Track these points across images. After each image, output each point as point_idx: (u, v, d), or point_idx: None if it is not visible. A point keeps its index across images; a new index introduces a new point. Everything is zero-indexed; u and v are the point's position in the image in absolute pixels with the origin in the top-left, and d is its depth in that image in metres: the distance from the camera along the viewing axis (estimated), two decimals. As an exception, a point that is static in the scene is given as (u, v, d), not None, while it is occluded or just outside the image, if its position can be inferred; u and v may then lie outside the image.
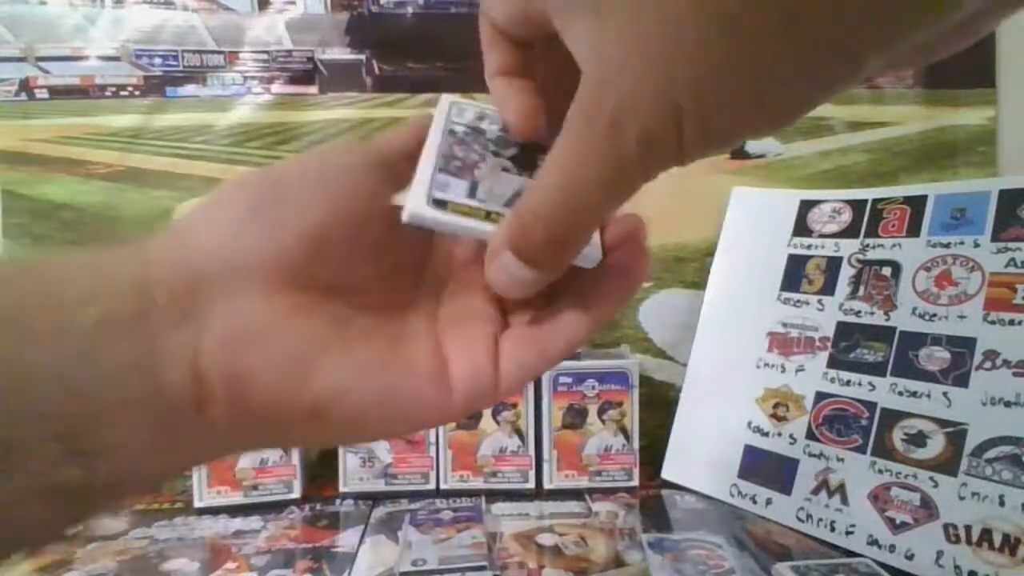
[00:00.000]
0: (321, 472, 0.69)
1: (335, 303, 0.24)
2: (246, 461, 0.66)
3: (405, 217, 0.24)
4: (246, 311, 0.22)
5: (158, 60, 0.77)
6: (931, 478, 0.54)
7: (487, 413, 0.67)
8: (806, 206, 0.71)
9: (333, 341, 0.23)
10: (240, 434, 0.23)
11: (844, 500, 0.58)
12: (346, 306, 0.24)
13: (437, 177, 0.25)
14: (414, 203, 0.24)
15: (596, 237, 0.25)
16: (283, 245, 0.23)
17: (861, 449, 0.58)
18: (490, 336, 0.25)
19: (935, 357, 0.57)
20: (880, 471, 0.57)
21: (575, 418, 0.68)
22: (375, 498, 0.66)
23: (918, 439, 0.56)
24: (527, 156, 0.27)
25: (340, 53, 0.78)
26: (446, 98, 0.29)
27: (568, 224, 0.21)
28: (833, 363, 0.63)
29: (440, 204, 0.24)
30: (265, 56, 0.78)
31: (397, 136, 0.27)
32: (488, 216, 0.25)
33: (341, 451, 0.67)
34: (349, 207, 0.24)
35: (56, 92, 0.77)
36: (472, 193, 0.25)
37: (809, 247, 0.68)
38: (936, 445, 0.55)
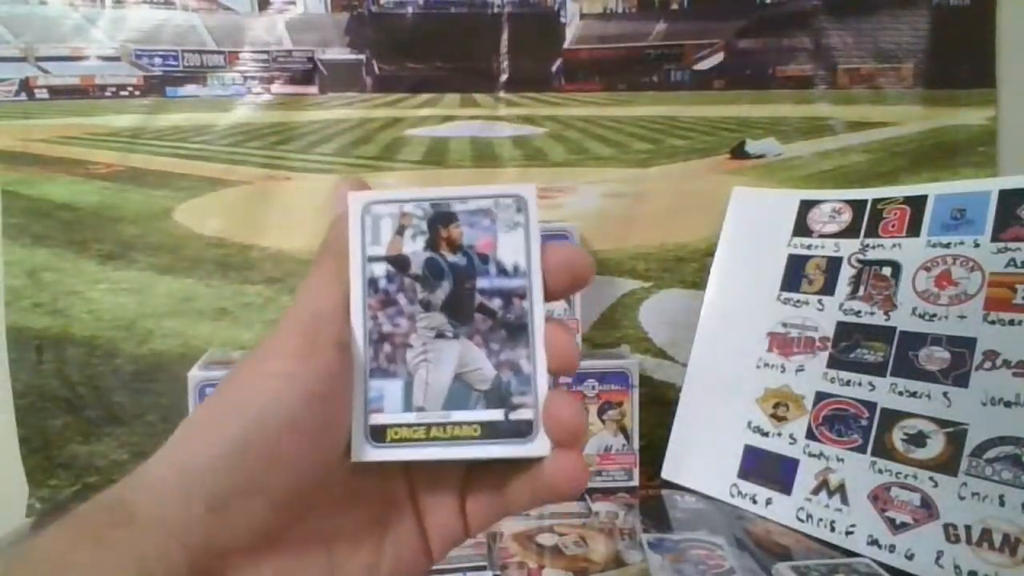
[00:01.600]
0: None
1: (318, 534, 0.25)
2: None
3: (352, 459, 0.24)
4: None
5: (158, 60, 0.77)
6: (931, 478, 0.54)
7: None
8: (806, 206, 0.71)
9: (329, 571, 0.25)
10: None
11: (844, 500, 0.58)
12: (329, 529, 0.25)
13: (370, 389, 0.25)
14: (356, 444, 0.24)
15: (543, 433, 0.24)
16: (265, 515, 0.23)
17: (861, 449, 0.58)
18: (458, 495, 0.27)
19: (935, 357, 0.57)
20: (880, 471, 0.57)
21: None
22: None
23: (918, 439, 0.56)
24: (462, 293, 0.25)
25: (340, 53, 0.78)
26: (354, 200, 0.26)
27: None
28: (833, 363, 0.63)
29: (379, 433, 0.25)
30: (265, 56, 0.78)
31: (327, 294, 0.25)
32: (429, 433, 0.25)
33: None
34: (322, 460, 0.24)
35: (56, 92, 0.77)
36: (408, 400, 0.25)
37: (809, 247, 0.68)
38: (936, 445, 0.55)
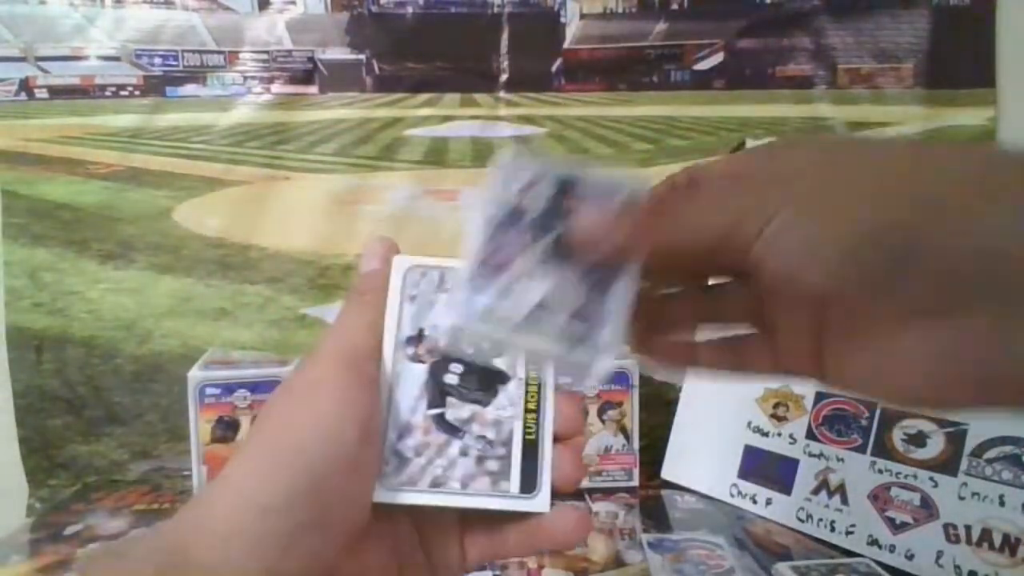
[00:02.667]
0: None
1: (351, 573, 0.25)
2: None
3: (374, 499, 0.26)
4: None
5: (158, 60, 0.77)
6: (931, 478, 0.54)
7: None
8: (806, 206, 0.71)
9: None
10: None
11: (844, 500, 0.57)
12: (358, 568, 0.26)
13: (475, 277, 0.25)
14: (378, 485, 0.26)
15: (545, 490, 0.27)
16: (327, 555, 0.23)
17: (861, 449, 0.58)
18: (459, 537, 0.28)
19: (935, 357, 0.57)
20: (880, 471, 0.57)
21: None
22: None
23: (918, 439, 0.56)
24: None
25: (340, 53, 0.78)
26: (398, 263, 0.28)
27: (684, 232, 0.23)
28: (833, 363, 0.63)
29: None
30: (265, 56, 0.78)
31: (365, 333, 0.26)
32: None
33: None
34: (369, 498, 0.25)
35: (56, 92, 0.77)
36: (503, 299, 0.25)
37: (809, 247, 0.68)
38: (936, 445, 0.55)
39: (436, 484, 0.27)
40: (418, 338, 0.28)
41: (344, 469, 0.23)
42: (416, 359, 0.28)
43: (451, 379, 0.28)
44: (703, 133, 0.81)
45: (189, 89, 0.78)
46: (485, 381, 0.28)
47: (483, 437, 0.27)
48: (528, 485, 0.27)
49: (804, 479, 0.60)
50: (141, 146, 0.78)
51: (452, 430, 0.27)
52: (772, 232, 0.21)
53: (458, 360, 0.28)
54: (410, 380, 0.27)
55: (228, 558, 0.21)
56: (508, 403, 0.28)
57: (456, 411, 0.28)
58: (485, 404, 0.28)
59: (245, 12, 0.77)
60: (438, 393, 0.28)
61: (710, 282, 0.27)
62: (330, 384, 0.24)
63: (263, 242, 0.78)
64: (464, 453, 0.27)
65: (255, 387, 0.63)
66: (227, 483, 0.23)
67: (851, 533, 0.56)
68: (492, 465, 0.27)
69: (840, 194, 0.20)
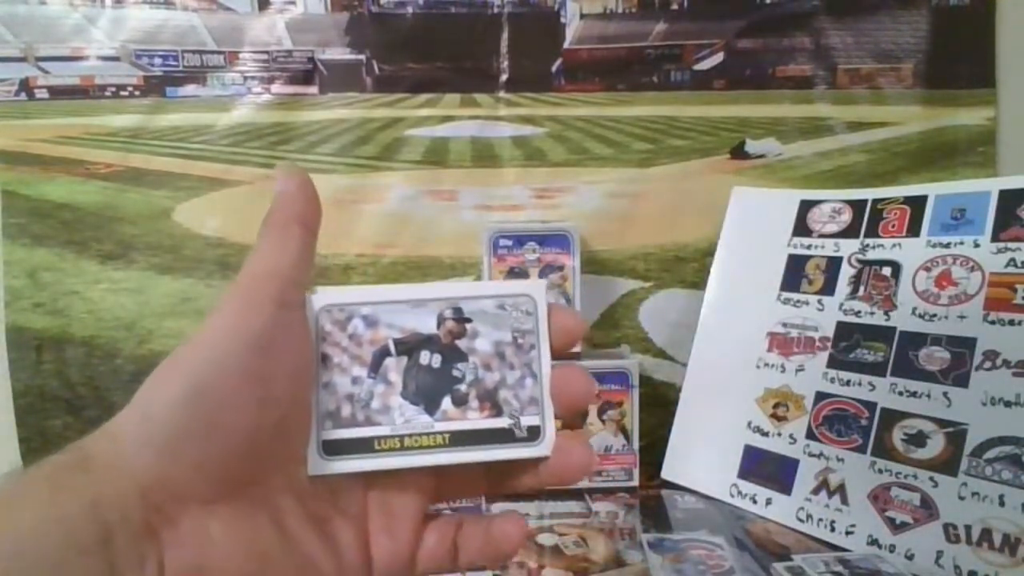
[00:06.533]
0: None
1: (270, 498, 0.26)
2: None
3: (310, 472, 0.27)
4: (195, 538, 0.24)
5: (158, 60, 0.77)
6: (931, 478, 0.54)
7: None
8: (806, 206, 0.71)
9: (275, 545, 0.26)
10: None
11: (844, 500, 0.57)
12: (280, 496, 0.26)
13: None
14: (312, 458, 0.27)
15: (551, 429, 0.28)
16: (219, 462, 0.24)
17: (861, 449, 0.58)
18: (416, 516, 0.29)
19: (935, 357, 0.57)
20: (880, 471, 0.57)
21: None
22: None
23: (918, 439, 0.56)
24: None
25: (340, 53, 0.78)
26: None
27: None
28: (833, 363, 0.63)
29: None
30: (265, 56, 0.78)
31: (265, 259, 0.27)
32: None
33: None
34: (277, 397, 0.26)
35: (56, 92, 0.77)
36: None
37: (809, 247, 0.68)
38: (936, 445, 0.55)
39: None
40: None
41: (230, 377, 0.24)
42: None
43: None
44: (703, 133, 0.81)
45: (189, 89, 0.78)
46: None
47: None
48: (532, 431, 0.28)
49: (804, 479, 0.60)
50: (141, 146, 0.78)
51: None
52: None
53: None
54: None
55: (121, 459, 0.23)
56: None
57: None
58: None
59: (245, 12, 0.77)
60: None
61: None
62: (226, 309, 0.25)
63: (263, 242, 0.78)
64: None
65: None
66: (132, 400, 0.25)
67: (851, 533, 0.56)
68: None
69: None
